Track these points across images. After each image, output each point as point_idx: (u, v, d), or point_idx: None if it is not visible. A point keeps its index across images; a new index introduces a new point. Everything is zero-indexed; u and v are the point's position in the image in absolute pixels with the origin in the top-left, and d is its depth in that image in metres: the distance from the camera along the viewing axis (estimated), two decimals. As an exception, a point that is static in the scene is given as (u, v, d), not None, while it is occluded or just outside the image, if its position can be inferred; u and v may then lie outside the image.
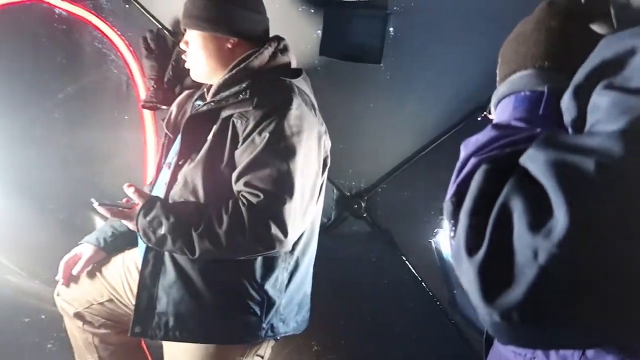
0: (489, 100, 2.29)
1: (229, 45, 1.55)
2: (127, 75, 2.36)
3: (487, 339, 0.96)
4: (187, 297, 1.49)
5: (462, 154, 0.65)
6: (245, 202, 1.38)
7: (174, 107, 1.79)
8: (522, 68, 0.70)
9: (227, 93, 1.47)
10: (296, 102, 1.45)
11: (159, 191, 1.59)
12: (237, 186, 1.42)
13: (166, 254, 1.50)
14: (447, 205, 0.61)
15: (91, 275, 1.76)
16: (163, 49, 2.28)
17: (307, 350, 2.48)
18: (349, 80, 2.20)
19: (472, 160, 0.60)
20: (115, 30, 2.33)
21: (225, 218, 1.37)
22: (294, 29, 2.16)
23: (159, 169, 1.74)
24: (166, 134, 1.76)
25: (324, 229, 2.23)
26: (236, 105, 1.44)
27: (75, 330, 1.79)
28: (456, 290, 2.24)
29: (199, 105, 1.64)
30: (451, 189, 0.62)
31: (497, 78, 0.76)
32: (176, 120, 1.75)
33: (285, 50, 1.60)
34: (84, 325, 1.76)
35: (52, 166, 2.34)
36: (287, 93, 1.46)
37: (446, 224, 0.71)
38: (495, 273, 0.50)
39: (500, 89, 0.73)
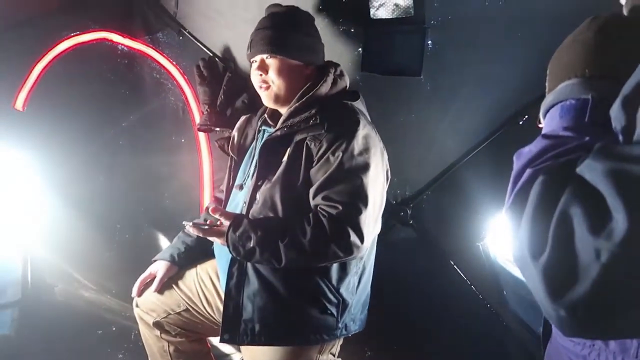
0: (526, 107, 2.35)
1: (307, 73, 1.69)
2: (182, 101, 2.55)
3: (545, 332, 1.02)
4: (270, 303, 1.60)
5: (517, 165, 0.71)
6: (325, 214, 1.50)
7: (235, 132, 1.91)
8: (566, 78, 0.75)
9: (298, 119, 1.59)
10: (362, 123, 1.57)
11: (236, 210, 1.71)
12: (316, 201, 1.54)
13: (249, 266, 1.61)
14: (507, 213, 0.68)
15: (168, 287, 1.88)
16: (215, 75, 2.45)
17: (360, 356, 2.55)
18: (391, 93, 2.29)
19: (529, 172, 0.66)
20: (171, 60, 2.53)
21: (308, 229, 1.49)
22: (337, 48, 2.28)
23: (228, 190, 1.87)
24: (231, 157, 1.90)
25: (372, 238, 2.31)
26: (308, 129, 1.57)
27: (151, 339, 1.91)
28: (506, 291, 2.27)
29: (265, 130, 1.79)
30: (509, 198, 0.69)
31: (546, 90, 0.82)
32: (239, 144, 1.89)
33: (342, 75, 1.75)
34: (161, 334, 1.87)
35: (119, 189, 2.54)
36: (353, 116, 1.59)
37: (501, 229, 0.80)
38: (560, 273, 0.57)
39: (548, 99, 0.78)
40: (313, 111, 1.58)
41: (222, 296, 1.68)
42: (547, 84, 0.82)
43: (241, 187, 1.77)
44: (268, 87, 1.69)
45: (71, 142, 2.37)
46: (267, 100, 1.72)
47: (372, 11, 2.15)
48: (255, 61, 1.69)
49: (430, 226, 2.47)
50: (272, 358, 1.66)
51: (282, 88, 1.67)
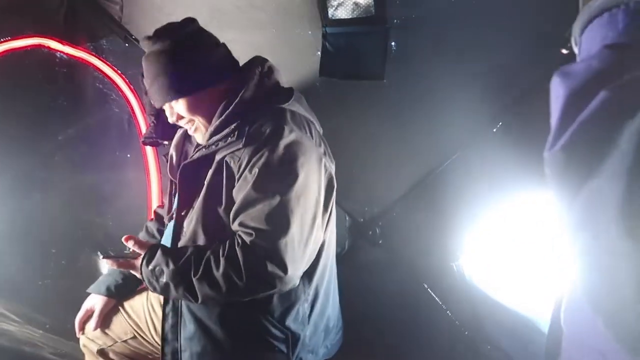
0: (500, 112, 2.14)
1: (215, 93, 1.47)
2: (128, 113, 2.34)
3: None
4: (209, 347, 1.43)
5: (567, 88, 0.48)
6: (240, 241, 1.32)
7: (172, 151, 1.72)
8: None
9: (217, 137, 1.42)
10: (287, 129, 1.37)
11: (167, 242, 1.54)
12: (234, 227, 1.37)
13: (183, 306, 1.46)
14: (557, 157, 0.43)
15: (116, 312, 1.71)
16: (163, 83, 2.25)
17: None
18: (354, 100, 2.13)
19: (605, 95, 0.42)
20: (115, 69, 2.33)
21: (222, 260, 1.31)
22: (293, 52, 2.12)
23: (169, 219, 1.68)
24: (171, 181, 1.69)
25: (339, 260, 2.10)
26: (227, 146, 1.39)
27: None
28: (482, 316, 2.05)
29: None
30: (564, 134, 0.44)
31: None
32: (178, 164, 1.69)
33: (270, 72, 1.53)
34: None
35: (55, 210, 2.29)
36: (276, 122, 1.38)
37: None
38: None
39: (580, 19, 0.60)
40: (233, 126, 1.39)
41: None
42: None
43: (171, 217, 1.59)
44: (196, 128, 1.52)
45: (1, 157, 2.13)
46: (200, 138, 1.54)
47: (330, 11, 2.00)
48: (165, 110, 1.53)
49: (401, 246, 2.27)
50: None
51: (205, 122, 1.49)
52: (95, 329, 1.68)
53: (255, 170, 1.32)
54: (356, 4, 1.97)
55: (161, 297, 1.65)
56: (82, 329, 1.71)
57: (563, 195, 0.40)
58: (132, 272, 1.46)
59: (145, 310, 1.68)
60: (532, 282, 1.90)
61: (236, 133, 1.38)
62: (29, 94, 2.24)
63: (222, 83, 1.47)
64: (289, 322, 1.45)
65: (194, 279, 1.32)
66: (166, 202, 1.74)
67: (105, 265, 2.35)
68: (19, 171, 2.22)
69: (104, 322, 1.70)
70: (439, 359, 2.12)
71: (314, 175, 1.39)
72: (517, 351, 1.95)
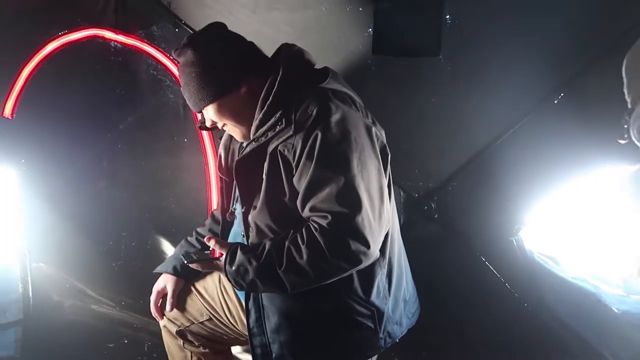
0: (561, 84, 2.05)
1: (244, 92, 1.46)
2: (183, 98, 2.37)
3: None
4: (297, 337, 1.48)
5: None
6: (317, 226, 1.33)
7: (221, 150, 1.74)
8: None
9: (264, 128, 1.41)
10: (333, 106, 1.36)
11: (238, 240, 1.57)
12: (305, 213, 1.37)
13: (264, 299, 1.49)
14: None
15: (191, 294, 1.78)
16: (215, 67, 2.27)
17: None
18: (408, 77, 2.08)
19: None
20: (168, 55, 2.36)
21: (303, 248, 1.32)
22: (343, 30, 2.08)
23: (223, 215, 1.72)
24: (221, 178, 1.72)
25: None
26: (278, 136, 1.39)
27: (174, 349, 1.81)
28: (544, 290, 2.05)
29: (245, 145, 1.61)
30: None
31: (629, 97, 0.63)
32: (227, 162, 1.71)
33: (300, 54, 1.51)
34: (184, 343, 1.77)
35: (122, 196, 2.40)
36: (321, 102, 1.37)
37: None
38: None
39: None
40: (278, 114, 1.38)
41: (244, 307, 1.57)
42: (626, 90, 0.63)
43: (233, 214, 1.63)
44: (230, 129, 1.53)
45: (66, 149, 2.25)
46: (238, 138, 1.57)
47: (381, -15, 1.93)
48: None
49: (458, 221, 2.27)
50: None
51: (237, 122, 1.49)
52: (171, 309, 1.74)
53: (314, 153, 1.32)
54: (408, -23, 1.90)
55: None
56: (160, 313, 1.78)
57: None
58: (218, 272, 1.49)
59: (219, 293, 1.73)
60: (597, 258, 1.88)
61: (284, 120, 1.38)
62: (88, 86, 2.32)
63: (247, 82, 1.46)
64: (373, 297, 1.47)
65: (279, 272, 1.34)
66: (218, 202, 1.76)
67: (171, 247, 2.47)
68: (87, 161, 2.33)
69: (179, 302, 1.76)
70: (500, 332, 2.14)
71: (368, 147, 1.39)
72: (582, 326, 1.95)
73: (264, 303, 1.50)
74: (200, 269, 1.51)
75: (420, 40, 1.92)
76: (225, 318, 1.73)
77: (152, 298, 1.77)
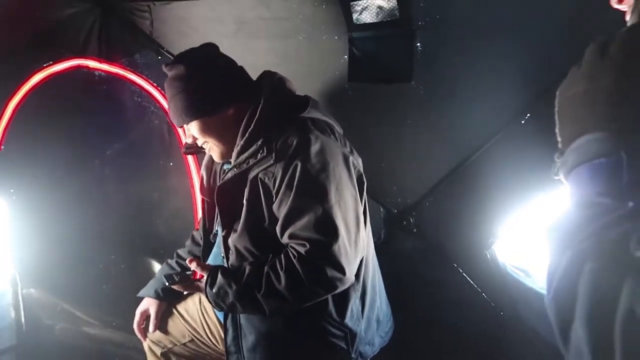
0: (526, 105, 2.18)
1: (230, 114, 1.52)
2: (167, 124, 2.45)
3: None
4: (272, 356, 1.53)
5: (552, 245, 0.59)
6: (295, 253, 1.39)
7: (203, 172, 1.80)
8: (587, 132, 0.64)
9: (245, 155, 1.46)
10: (312, 137, 1.42)
11: (218, 262, 1.63)
12: (284, 240, 1.44)
13: (242, 318, 1.54)
14: (549, 309, 0.59)
15: (172, 316, 1.84)
16: (197, 94, 2.34)
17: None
18: (382, 100, 2.17)
19: (570, 256, 0.55)
20: (151, 82, 2.43)
21: (282, 274, 1.39)
22: (321, 58, 2.16)
23: (206, 235, 1.79)
24: (203, 199, 1.79)
25: (375, 248, 2.22)
26: (258, 163, 1.44)
27: None
28: (518, 301, 2.16)
29: (226, 169, 1.66)
30: (549, 290, 0.58)
31: (559, 139, 0.70)
32: (209, 184, 1.77)
33: (282, 82, 1.57)
34: None
35: (110, 220, 2.46)
36: (301, 133, 1.43)
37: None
38: None
39: (570, 157, 0.66)
40: (259, 142, 1.44)
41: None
42: (558, 132, 0.70)
43: (214, 237, 1.69)
44: (210, 148, 1.59)
45: (55, 177, 2.30)
46: (216, 158, 1.62)
47: (354, 16, 2.02)
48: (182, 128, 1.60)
49: (435, 234, 2.37)
50: None
51: (219, 142, 1.55)
52: (154, 330, 1.80)
53: (293, 183, 1.38)
54: (380, 7, 1.99)
55: None
56: (144, 334, 1.84)
57: (560, 333, 0.58)
58: (199, 292, 1.57)
59: (199, 313, 1.80)
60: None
61: (265, 149, 1.42)
62: (74, 115, 2.37)
63: (234, 105, 1.51)
64: (347, 320, 1.53)
65: (259, 296, 1.40)
66: (200, 222, 1.83)
67: (160, 266, 2.54)
68: (76, 187, 2.38)
69: (162, 325, 1.82)
70: (476, 340, 2.24)
71: (345, 176, 1.45)
72: (550, 333, 2.06)
73: (242, 322, 1.54)
74: (182, 290, 1.58)
75: (393, 68, 2.02)
76: (206, 338, 1.79)
77: (136, 320, 1.84)
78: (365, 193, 1.61)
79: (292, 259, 1.38)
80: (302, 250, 1.38)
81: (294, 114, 1.50)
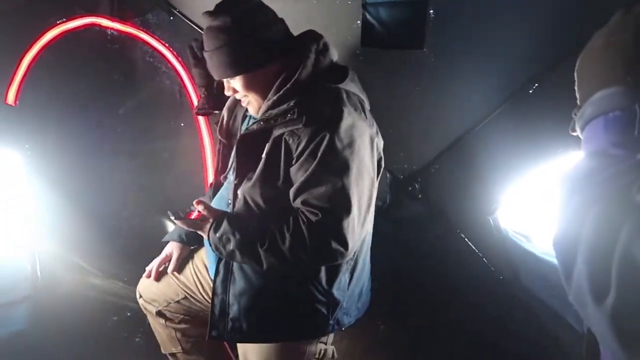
0: (535, 75, 2.19)
1: (275, 70, 1.50)
2: (179, 84, 2.47)
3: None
4: (256, 305, 1.57)
5: (562, 191, 0.63)
6: (305, 219, 1.40)
7: (224, 113, 1.79)
8: (604, 86, 0.67)
9: (275, 111, 1.44)
10: (345, 111, 1.40)
11: (223, 205, 1.64)
12: (295, 203, 1.45)
13: (235, 265, 1.57)
14: (556, 249, 0.62)
15: (166, 277, 1.89)
16: (209, 56, 2.35)
17: (374, 330, 2.56)
18: (393, 66, 2.19)
19: (578, 200, 0.58)
20: (163, 42, 2.43)
21: (287, 235, 1.41)
22: (333, 22, 2.17)
23: (216, 175, 1.81)
24: (220, 140, 1.78)
25: (380, 212, 2.25)
26: (286, 124, 1.43)
27: (158, 327, 1.93)
28: (518, 266, 2.23)
29: (250, 116, 1.66)
30: (558, 230, 0.62)
31: (578, 96, 0.73)
32: (228, 126, 1.76)
33: (325, 49, 1.55)
34: (165, 322, 1.89)
35: (123, 176, 2.51)
36: (336, 104, 1.41)
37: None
38: (632, 319, 0.51)
39: (587, 110, 0.69)
40: (291, 103, 1.42)
41: None
42: (577, 90, 0.74)
43: (225, 179, 1.69)
44: (249, 102, 1.57)
45: (68, 133, 2.33)
46: (253, 112, 1.60)
47: (369, -19, 2.03)
48: (222, 82, 1.56)
49: (439, 200, 2.42)
50: (260, 352, 1.65)
51: (259, 98, 1.53)
52: (173, 270, 1.85)
53: (319, 151, 1.37)
54: (395, -28, 1.99)
55: (206, 260, 1.81)
56: (158, 274, 1.87)
57: (565, 267, 0.60)
58: (200, 233, 1.55)
59: (192, 272, 1.85)
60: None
61: (296, 111, 1.40)
62: (87, 73, 2.39)
63: (279, 61, 1.48)
64: (334, 289, 1.57)
65: (260, 250, 1.42)
66: (214, 163, 1.84)
67: (171, 224, 2.60)
68: (86, 145, 2.42)
69: (157, 285, 1.87)
70: (477, 302, 2.32)
71: (368, 157, 1.46)
72: (548, 296, 2.14)
73: (234, 268, 1.57)
74: (185, 227, 1.57)
75: (406, 34, 2.03)
76: (199, 295, 1.83)
77: (159, 258, 1.88)
78: (379, 175, 1.63)
79: (302, 224, 1.40)
80: (313, 218, 1.39)
81: (332, 83, 1.48)
